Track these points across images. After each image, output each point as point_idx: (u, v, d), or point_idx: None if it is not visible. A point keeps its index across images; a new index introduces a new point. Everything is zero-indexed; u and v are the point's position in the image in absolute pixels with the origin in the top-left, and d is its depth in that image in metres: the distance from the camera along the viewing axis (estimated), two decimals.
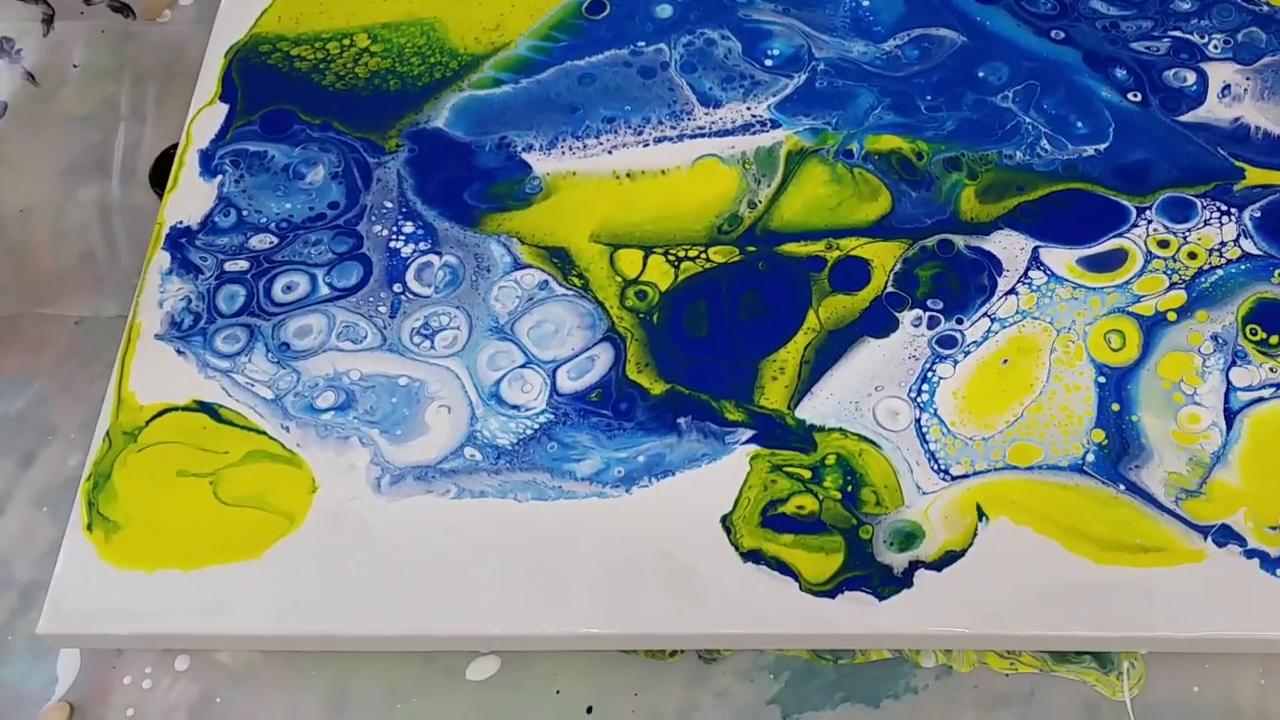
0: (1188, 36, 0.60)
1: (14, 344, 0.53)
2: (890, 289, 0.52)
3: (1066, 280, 0.53)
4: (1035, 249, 0.54)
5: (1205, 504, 0.47)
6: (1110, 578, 0.45)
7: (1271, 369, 0.51)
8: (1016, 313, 0.52)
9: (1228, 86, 0.59)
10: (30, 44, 0.61)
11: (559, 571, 0.46)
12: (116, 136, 0.58)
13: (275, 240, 0.54)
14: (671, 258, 0.53)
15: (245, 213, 0.55)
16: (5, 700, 0.45)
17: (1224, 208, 0.55)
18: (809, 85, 0.58)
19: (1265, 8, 0.62)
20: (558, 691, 0.45)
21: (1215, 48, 0.60)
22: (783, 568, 0.45)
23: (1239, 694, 0.44)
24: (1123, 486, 0.48)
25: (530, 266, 0.53)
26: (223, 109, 0.57)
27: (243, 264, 0.53)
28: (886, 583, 0.46)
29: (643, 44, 0.59)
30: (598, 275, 0.53)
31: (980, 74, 0.59)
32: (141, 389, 0.50)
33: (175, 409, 0.49)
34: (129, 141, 0.58)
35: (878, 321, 0.52)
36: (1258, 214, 0.55)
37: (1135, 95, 0.59)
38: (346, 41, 0.60)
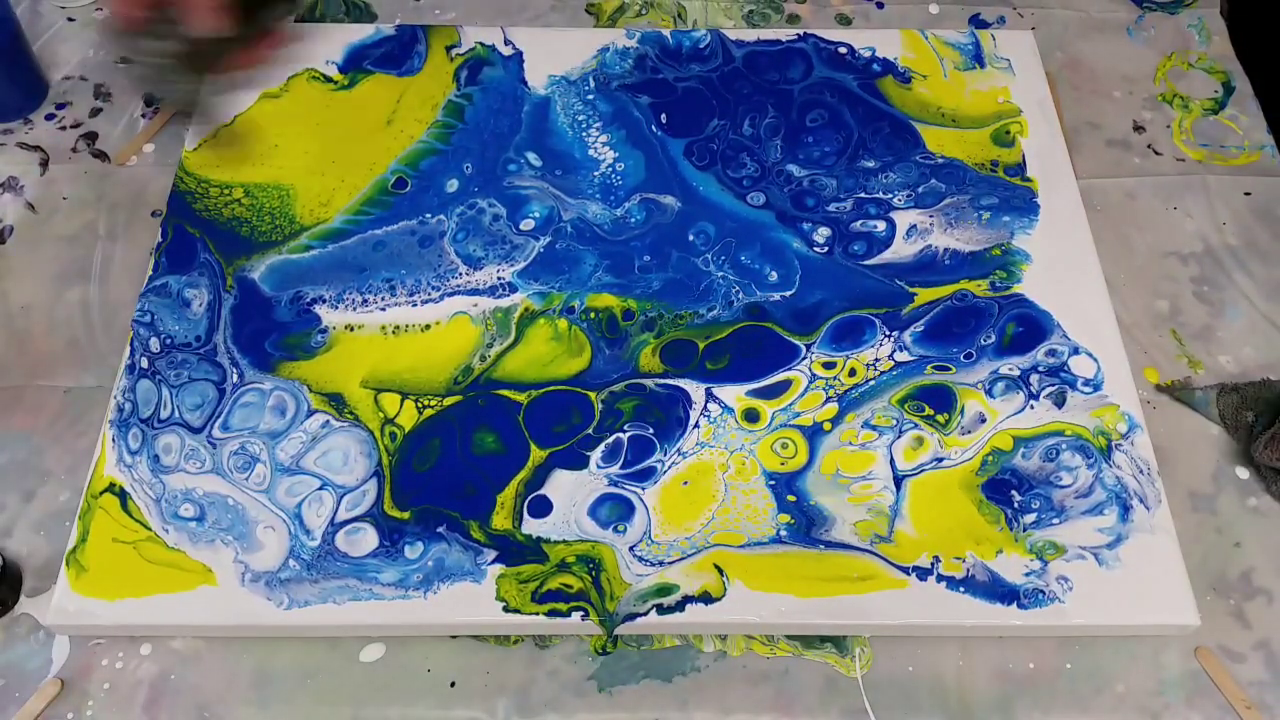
0: (874, 196, 0.64)
1: (17, 408, 0.58)
2: (592, 430, 0.55)
3: (735, 410, 0.57)
4: (708, 389, 0.57)
5: (896, 550, 0.52)
6: (837, 602, 0.51)
7: (940, 440, 0.55)
8: (697, 444, 0.55)
9: (914, 227, 0.63)
10: (30, 181, 0.67)
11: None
12: (95, 251, 0.64)
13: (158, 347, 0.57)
14: (420, 404, 0.57)
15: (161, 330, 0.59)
16: (12, 676, 0.50)
17: (887, 331, 0.59)
18: (550, 248, 0.62)
19: (940, 159, 0.65)
20: (429, 670, 0.51)
21: (900, 201, 0.64)
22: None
23: (943, 672, 0.51)
24: (822, 547, 0.52)
25: (317, 411, 0.56)
26: None
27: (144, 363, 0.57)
28: (664, 611, 0.51)
29: (428, 215, 0.63)
30: (365, 411, 0.56)
31: (690, 237, 0.63)
32: (107, 462, 0.54)
33: (108, 490, 0.53)
34: (105, 255, 0.64)
35: (572, 458, 0.55)
36: (920, 329, 0.59)
37: (823, 247, 0.62)
38: (226, 191, 0.64)
